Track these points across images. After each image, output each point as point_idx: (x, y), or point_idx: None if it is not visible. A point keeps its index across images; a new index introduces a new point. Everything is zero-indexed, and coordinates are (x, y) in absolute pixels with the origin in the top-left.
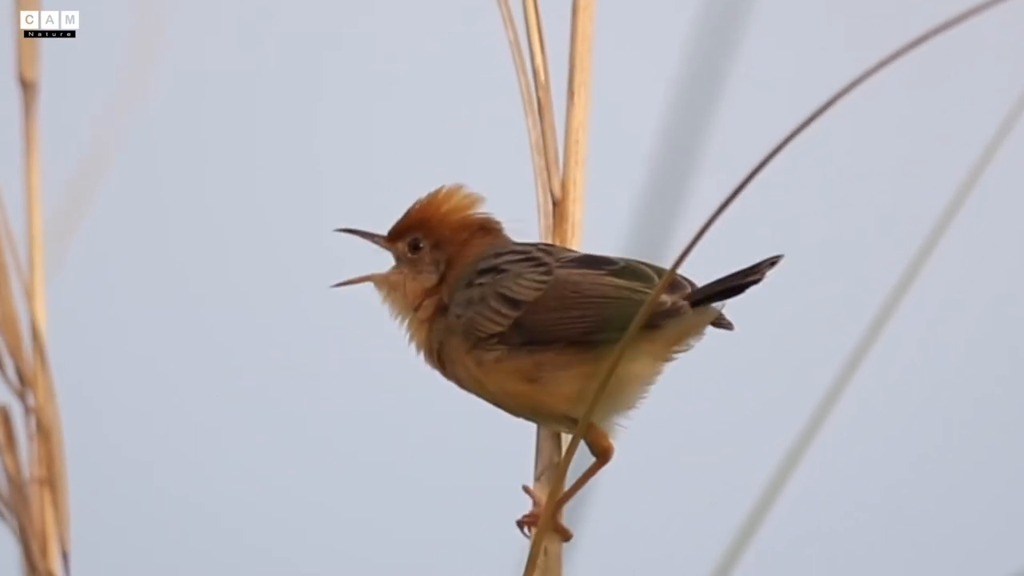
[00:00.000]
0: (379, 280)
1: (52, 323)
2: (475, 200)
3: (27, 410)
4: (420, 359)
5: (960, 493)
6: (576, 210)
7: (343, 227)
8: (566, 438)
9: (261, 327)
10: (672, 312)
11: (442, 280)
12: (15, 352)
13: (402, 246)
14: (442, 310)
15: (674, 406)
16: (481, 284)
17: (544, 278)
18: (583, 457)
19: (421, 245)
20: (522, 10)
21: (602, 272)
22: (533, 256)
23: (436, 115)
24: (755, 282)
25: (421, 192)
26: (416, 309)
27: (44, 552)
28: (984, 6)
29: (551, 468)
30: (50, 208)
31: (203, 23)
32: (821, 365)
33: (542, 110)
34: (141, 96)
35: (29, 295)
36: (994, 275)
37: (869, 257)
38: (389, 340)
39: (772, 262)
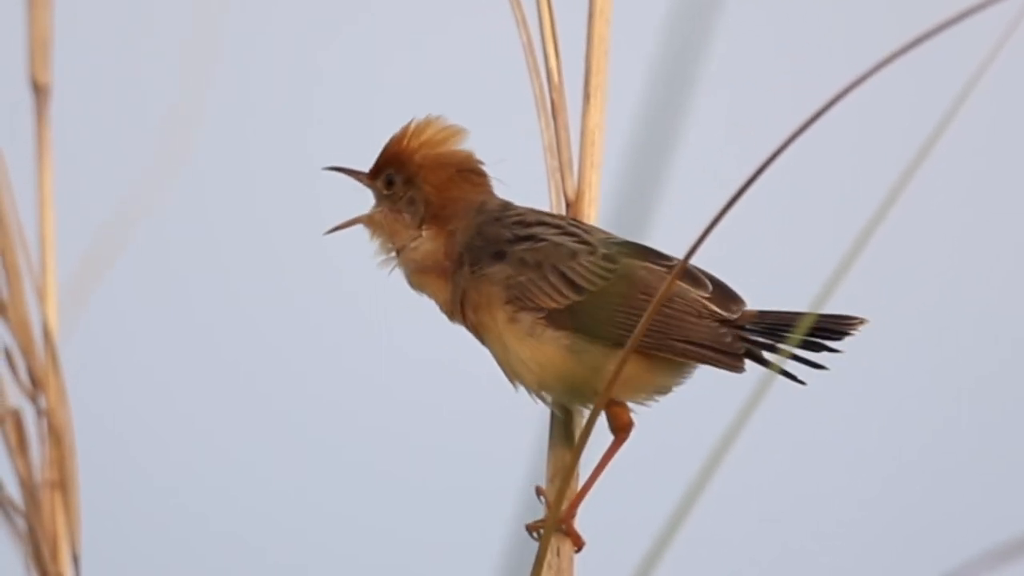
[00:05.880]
0: (365, 221)
1: (63, 326)
2: (453, 133)
3: (39, 413)
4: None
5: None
6: (591, 212)
7: (330, 165)
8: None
9: (268, 333)
10: (738, 368)
11: (435, 219)
12: (27, 354)
13: (380, 183)
14: (454, 249)
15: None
16: (536, 243)
17: (608, 266)
18: (589, 457)
19: (394, 180)
20: (536, 12)
21: (663, 268)
22: (570, 231)
23: (449, 117)
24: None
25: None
26: (400, 249)
27: (55, 555)
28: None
29: (563, 470)
30: (62, 212)
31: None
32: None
33: (555, 112)
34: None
35: (41, 297)
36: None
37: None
38: (391, 342)
39: (854, 324)
